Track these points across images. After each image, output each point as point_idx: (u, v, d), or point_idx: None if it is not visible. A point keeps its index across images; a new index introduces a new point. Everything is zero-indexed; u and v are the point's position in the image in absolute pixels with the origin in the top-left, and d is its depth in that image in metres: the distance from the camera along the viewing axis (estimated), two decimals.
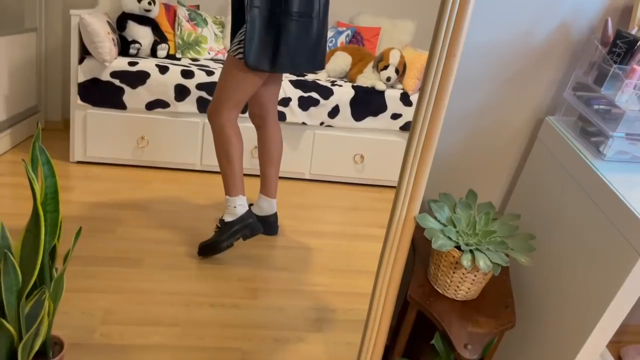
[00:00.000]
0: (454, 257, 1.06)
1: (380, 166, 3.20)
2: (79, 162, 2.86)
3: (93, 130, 2.86)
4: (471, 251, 1.04)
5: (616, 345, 1.81)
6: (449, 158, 1.30)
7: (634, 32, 1.07)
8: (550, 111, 1.24)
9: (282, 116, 2.96)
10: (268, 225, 2.27)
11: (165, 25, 3.24)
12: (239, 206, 2.04)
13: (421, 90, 1.05)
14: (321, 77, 3.23)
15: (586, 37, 1.15)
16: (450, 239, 1.07)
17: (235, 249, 2.09)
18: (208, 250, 2.04)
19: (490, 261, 1.03)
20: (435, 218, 1.12)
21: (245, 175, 2.08)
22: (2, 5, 2.83)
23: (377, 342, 1.23)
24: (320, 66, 2.04)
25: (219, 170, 2.07)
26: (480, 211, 1.14)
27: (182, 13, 3.27)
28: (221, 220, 2.06)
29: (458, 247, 1.07)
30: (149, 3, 3.05)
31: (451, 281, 1.10)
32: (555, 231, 1.16)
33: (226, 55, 2.00)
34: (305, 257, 2.22)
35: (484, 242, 1.08)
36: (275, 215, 2.32)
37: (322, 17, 1.89)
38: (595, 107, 1.09)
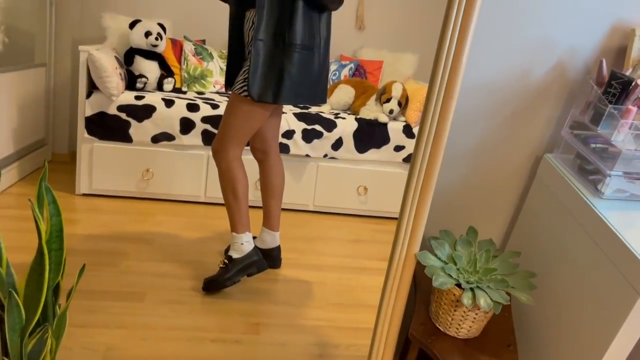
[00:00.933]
0: (454, 295, 1.06)
1: (384, 198, 3.21)
2: (84, 195, 2.88)
3: (99, 163, 2.89)
4: (472, 289, 1.05)
5: None
6: (449, 195, 1.31)
7: (628, 72, 1.09)
8: (549, 149, 1.26)
9: (285, 148, 2.99)
10: (271, 258, 2.27)
11: (171, 60, 3.31)
12: (246, 243, 2.05)
13: (419, 130, 1.07)
14: (325, 110, 3.27)
15: (582, 77, 1.18)
16: (450, 276, 1.07)
17: (238, 283, 2.09)
18: (213, 286, 2.04)
19: (491, 299, 1.03)
20: (436, 255, 1.12)
21: (249, 207, 2.09)
22: (13, 41, 2.91)
23: None
24: (323, 100, 2.07)
25: (223, 202, 2.09)
26: (480, 248, 1.15)
27: (188, 48, 3.34)
28: (228, 257, 2.07)
29: (459, 285, 1.07)
30: (156, 38, 3.12)
31: (452, 319, 1.10)
32: (555, 268, 1.16)
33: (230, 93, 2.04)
34: (307, 291, 2.22)
35: (485, 279, 1.08)
36: (278, 248, 2.32)
37: (323, 50, 1.93)
38: (593, 145, 1.11)
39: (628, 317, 0.93)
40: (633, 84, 1.03)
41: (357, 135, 3.10)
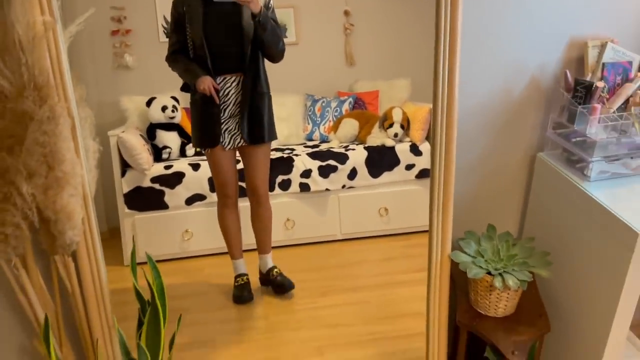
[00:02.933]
0: (487, 281, 1.30)
1: (405, 215, 3.43)
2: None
3: (142, 234, 3.15)
4: (500, 274, 1.28)
5: None
6: (466, 201, 1.55)
7: (588, 78, 1.35)
8: (540, 148, 1.51)
9: (306, 187, 3.24)
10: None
11: (188, 127, 3.59)
12: None
13: (432, 151, 1.32)
14: (334, 145, 3.53)
15: (554, 86, 1.44)
16: (481, 267, 1.31)
17: (288, 312, 2.32)
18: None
19: (517, 279, 1.26)
20: (466, 253, 1.36)
21: None
22: None
23: None
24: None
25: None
26: (500, 240, 1.39)
27: None
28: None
29: (489, 273, 1.31)
30: (172, 111, 3.40)
31: (489, 302, 1.33)
32: (564, 245, 1.39)
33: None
34: (355, 311, 2.43)
35: (509, 265, 1.32)
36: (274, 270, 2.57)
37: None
38: (573, 140, 1.36)
39: (629, 271, 1.16)
40: (593, 86, 1.29)
41: (368, 162, 3.33)
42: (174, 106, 3.40)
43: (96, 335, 1.22)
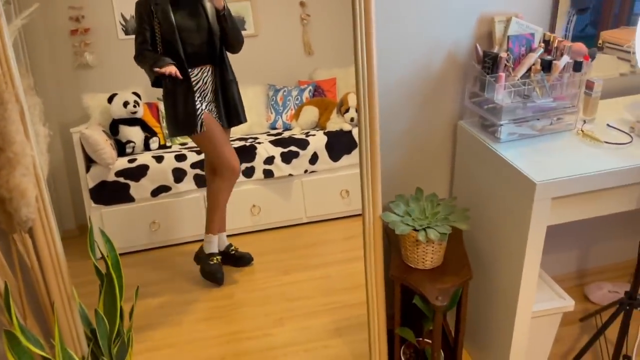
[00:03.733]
0: (413, 237, 1.44)
1: None
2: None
3: (110, 227, 3.23)
4: (424, 229, 1.43)
5: (580, 287, 2.16)
6: (397, 168, 1.70)
7: (495, 50, 1.50)
8: (460, 117, 1.66)
9: (270, 173, 3.36)
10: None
11: (151, 121, 3.68)
12: None
13: (359, 125, 1.46)
14: (296, 132, 3.66)
15: (467, 60, 1.58)
16: (407, 225, 1.45)
17: (254, 290, 2.46)
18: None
19: (439, 232, 1.41)
20: (395, 213, 1.50)
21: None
22: None
23: (380, 322, 1.59)
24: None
25: None
26: (427, 201, 1.53)
27: (162, 108, 3.72)
28: None
29: (415, 230, 1.45)
30: (134, 106, 3.49)
31: (417, 256, 1.47)
32: (483, 202, 1.55)
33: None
34: (316, 285, 2.57)
35: (433, 221, 1.46)
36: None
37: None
38: (485, 107, 1.50)
39: (532, 217, 1.32)
40: (498, 57, 1.44)
41: (328, 146, 3.47)
42: (135, 101, 3.48)
43: (57, 305, 1.33)
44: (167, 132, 3.67)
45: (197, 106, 2.52)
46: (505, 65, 1.45)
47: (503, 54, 1.44)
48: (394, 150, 1.67)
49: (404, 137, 1.66)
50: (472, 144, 1.57)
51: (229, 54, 2.60)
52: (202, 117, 2.53)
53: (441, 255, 1.50)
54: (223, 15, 2.37)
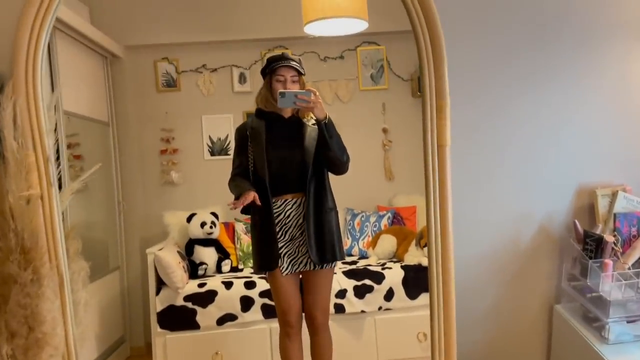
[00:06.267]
0: None
1: None
2: None
3: (173, 354, 3.12)
4: None
5: None
6: (477, 348, 1.44)
7: (599, 228, 1.27)
8: (557, 299, 1.40)
9: (341, 308, 3.15)
10: None
11: (226, 242, 3.65)
12: None
13: (430, 306, 1.26)
14: (372, 262, 3.46)
15: (565, 235, 1.36)
16: None
17: None
18: None
19: None
20: None
21: None
22: (91, 252, 3.34)
23: None
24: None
25: None
26: None
27: (239, 228, 3.69)
28: None
29: None
30: (210, 227, 3.50)
31: None
32: None
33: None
34: None
35: None
36: None
37: None
38: (588, 295, 1.25)
39: None
40: (604, 241, 1.20)
41: (405, 282, 3.23)
42: (212, 222, 3.49)
43: None
44: (240, 254, 3.62)
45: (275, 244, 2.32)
46: (613, 249, 1.21)
47: (609, 237, 1.21)
48: (477, 328, 1.43)
49: (490, 315, 1.42)
50: (570, 336, 1.29)
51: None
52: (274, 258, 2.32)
53: None
54: (325, 124, 2.13)
